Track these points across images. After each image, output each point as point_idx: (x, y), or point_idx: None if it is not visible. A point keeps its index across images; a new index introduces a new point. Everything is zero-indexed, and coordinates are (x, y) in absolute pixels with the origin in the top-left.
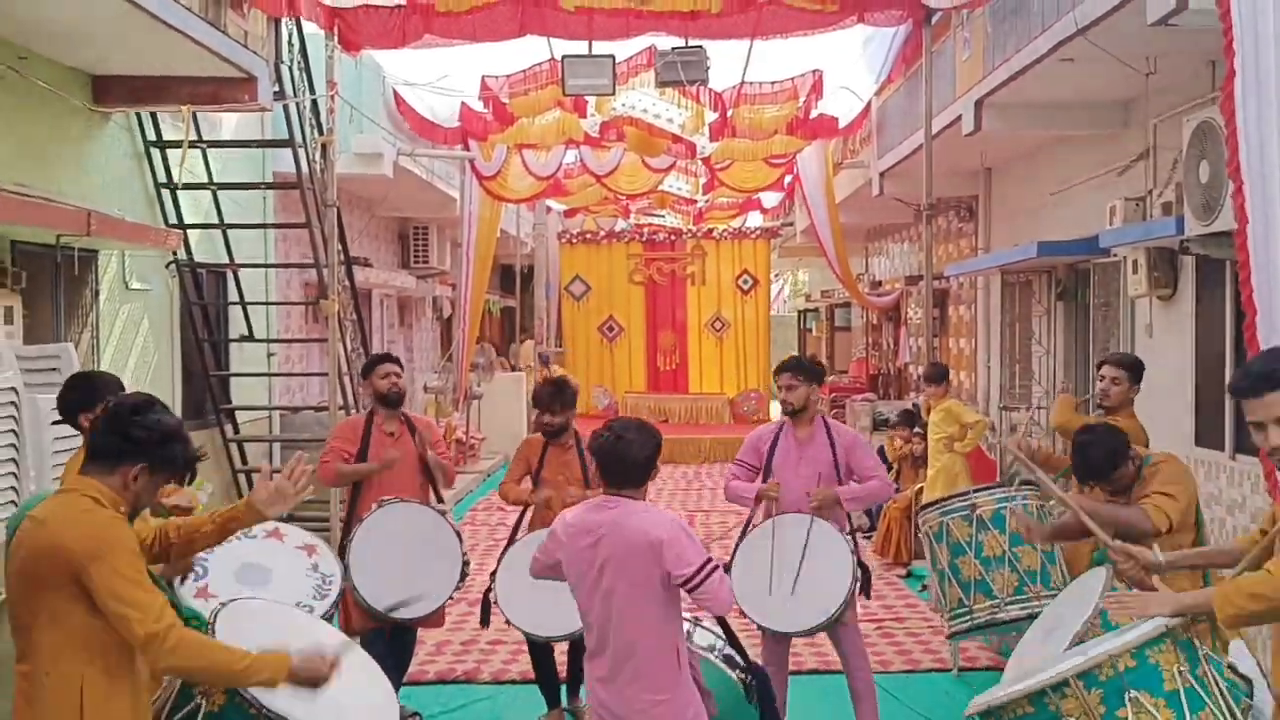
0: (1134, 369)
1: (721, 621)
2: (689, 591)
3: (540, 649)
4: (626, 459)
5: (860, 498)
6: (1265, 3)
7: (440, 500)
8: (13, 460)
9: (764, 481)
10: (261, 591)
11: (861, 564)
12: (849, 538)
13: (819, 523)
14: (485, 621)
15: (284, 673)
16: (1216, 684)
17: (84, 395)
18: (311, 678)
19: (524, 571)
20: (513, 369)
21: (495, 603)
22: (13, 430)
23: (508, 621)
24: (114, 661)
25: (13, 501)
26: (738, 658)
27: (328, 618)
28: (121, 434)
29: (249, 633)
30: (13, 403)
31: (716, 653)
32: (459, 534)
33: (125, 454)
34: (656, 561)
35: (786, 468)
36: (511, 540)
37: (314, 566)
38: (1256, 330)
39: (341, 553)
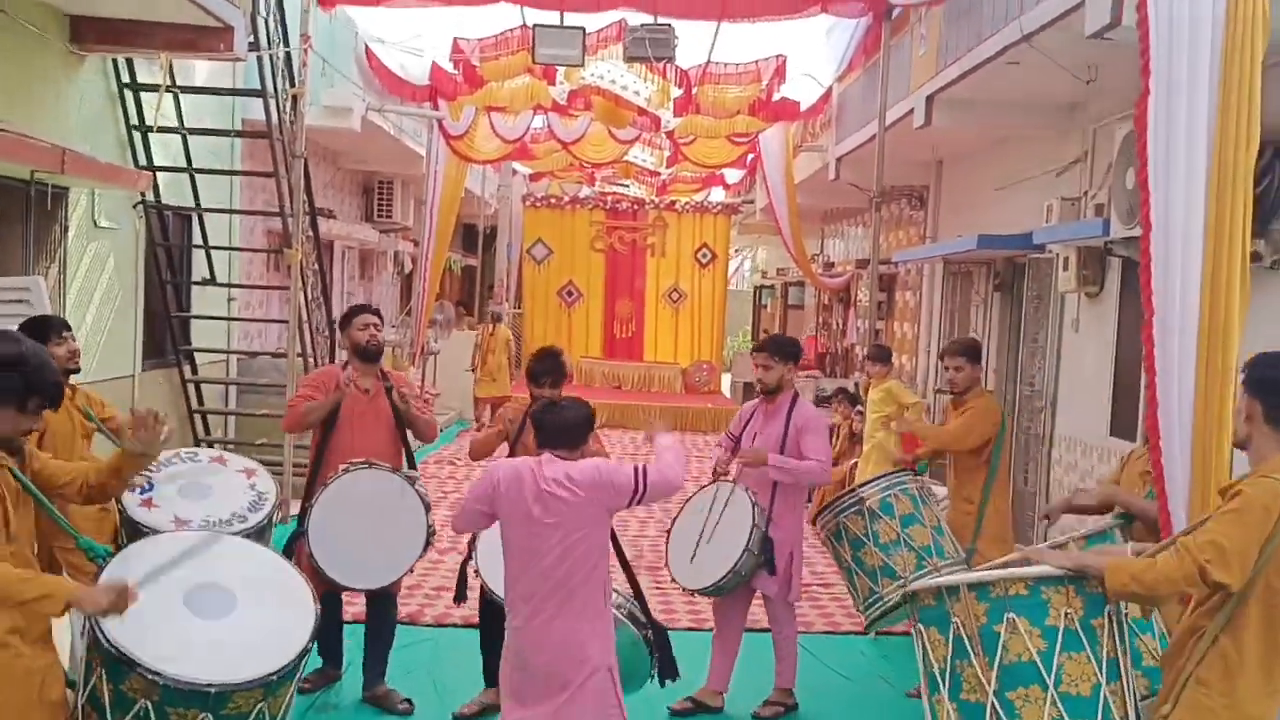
0: (970, 353)
1: (631, 580)
2: (640, 500)
3: (493, 628)
4: (561, 423)
5: (789, 470)
6: (1180, 34)
7: (412, 464)
8: None
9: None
10: (201, 504)
11: (767, 538)
12: (759, 511)
13: (737, 492)
14: (461, 597)
15: (61, 601)
16: (1112, 640)
17: (38, 334)
18: (92, 605)
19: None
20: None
21: (478, 573)
22: None
23: (493, 596)
24: None
25: None
26: (640, 615)
27: (261, 528)
28: None
29: (135, 561)
30: None
31: (622, 610)
32: (427, 503)
33: None
34: (605, 496)
35: (747, 440)
36: None
37: (251, 486)
38: (1154, 329)
39: (302, 516)
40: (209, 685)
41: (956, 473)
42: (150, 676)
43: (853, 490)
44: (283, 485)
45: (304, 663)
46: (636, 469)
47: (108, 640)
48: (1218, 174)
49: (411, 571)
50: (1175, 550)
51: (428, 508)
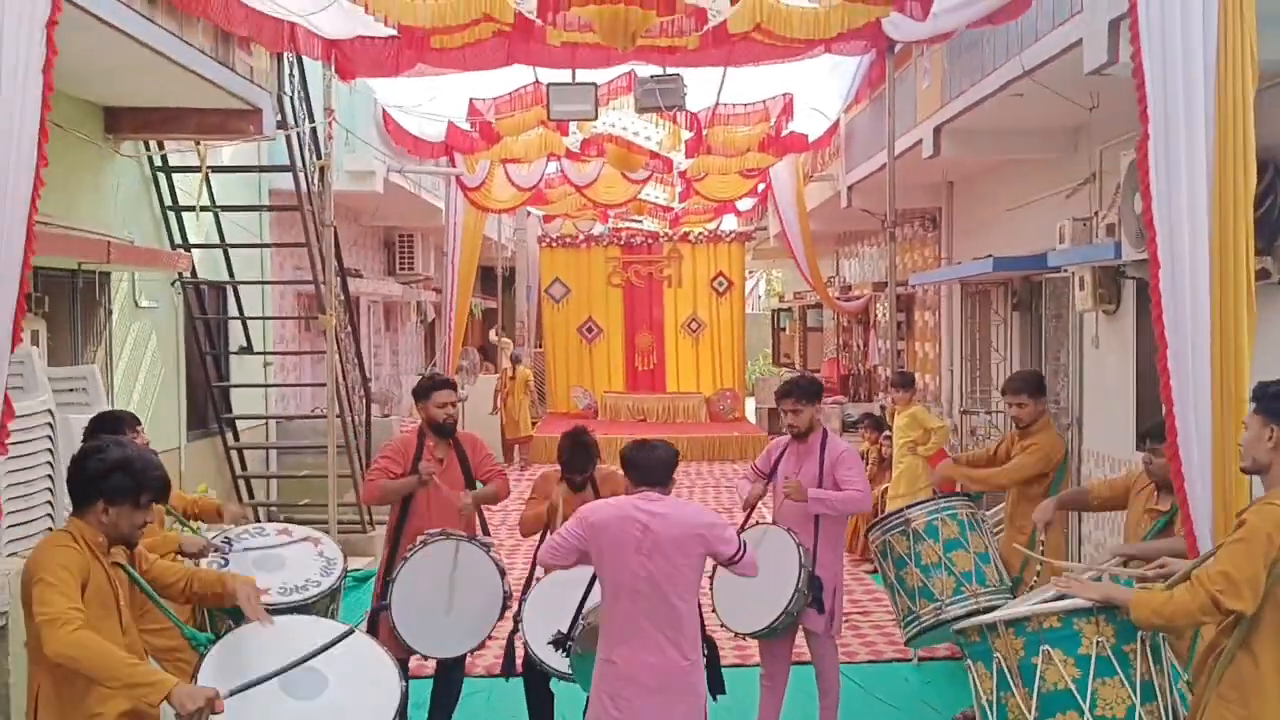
0: (1032, 388)
1: None
2: (729, 565)
3: (541, 691)
4: (655, 462)
5: (828, 501)
6: (1175, 83)
7: (485, 528)
8: (49, 477)
9: (768, 488)
10: (277, 575)
11: (815, 577)
12: (804, 552)
13: (781, 535)
14: (509, 673)
15: (163, 692)
16: (1145, 662)
17: (110, 429)
18: (182, 707)
19: (550, 610)
20: (494, 367)
21: (526, 644)
22: (48, 449)
23: (537, 661)
24: (65, 674)
25: (49, 515)
26: None
27: (334, 590)
28: (77, 480)
29: (246, 658)
30: (48, 424)
31: None
32: (502, 569)
33: (88, 495)
34: (703, 542)
35: (781, 480)
36: (530, 580)
37: (320, 553)
38: (1168, 361)
39: (384, 590)
40: None
41: (1015, 500)
42: None
43: (900, 511)
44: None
45: None
46: (739, 534)
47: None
48: (1219, 208)
49: (491, 636)
50: (1190, 584)
51: (503, 573)
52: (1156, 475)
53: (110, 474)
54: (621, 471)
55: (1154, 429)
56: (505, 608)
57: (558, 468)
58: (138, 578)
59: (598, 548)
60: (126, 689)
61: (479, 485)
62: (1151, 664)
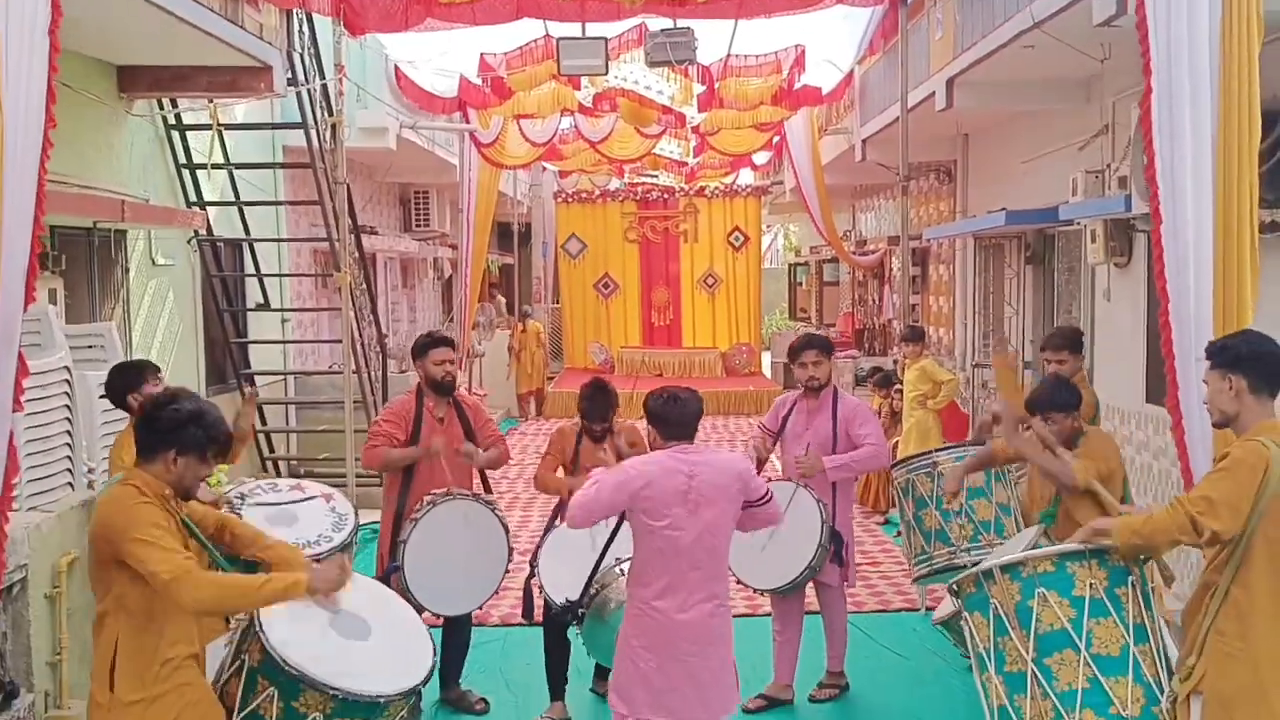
0: (1073, 344)
1: None
2: (756, 506)
3: (559, 641)
4: (687, 416)
5: (847, 465)
6: (1180, 39)
7: (488, 488)
8: (67, 433)
9: (776, 446)
10: (290, 529)
11: (836, 532)
12: (824, 508)
13: (800, 493)
14: (529, 614)
15: (303, 587)
16: (1137, 605)
17: (130, 379)
18: (327, 584)
19: (565, 558)
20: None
21: (542, 589)
22: (66, 405)
23: (555, 609)
24: (142, 624)
25: (68, 470)
26: None
27: (345, 545)
28: (150, 429)
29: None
30: (66, 380)
31: None
32: (506, 526)
33: (158, 445)
34: (742, 489)
35: (792, 438)
36: (549, 528)
37: (332, 509)
38: (1170, 316)
39: (393, 551)
40: (379, 696)
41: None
42: (331, 692)
43: (929, 452)
44: (351, 497)
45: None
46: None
47: (286, 664)
48: (1223, 163)
49: (497, 592)
50: (1170, 506)
51: (507, 530)
52: (1046, 438)
53: (185, 426)
54: (647, 423)
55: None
56: (510, 563)
57: (575, 422)
58: (191, 525)
59: (645, 504)
60: (272, 600)
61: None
62: (1143, 608)
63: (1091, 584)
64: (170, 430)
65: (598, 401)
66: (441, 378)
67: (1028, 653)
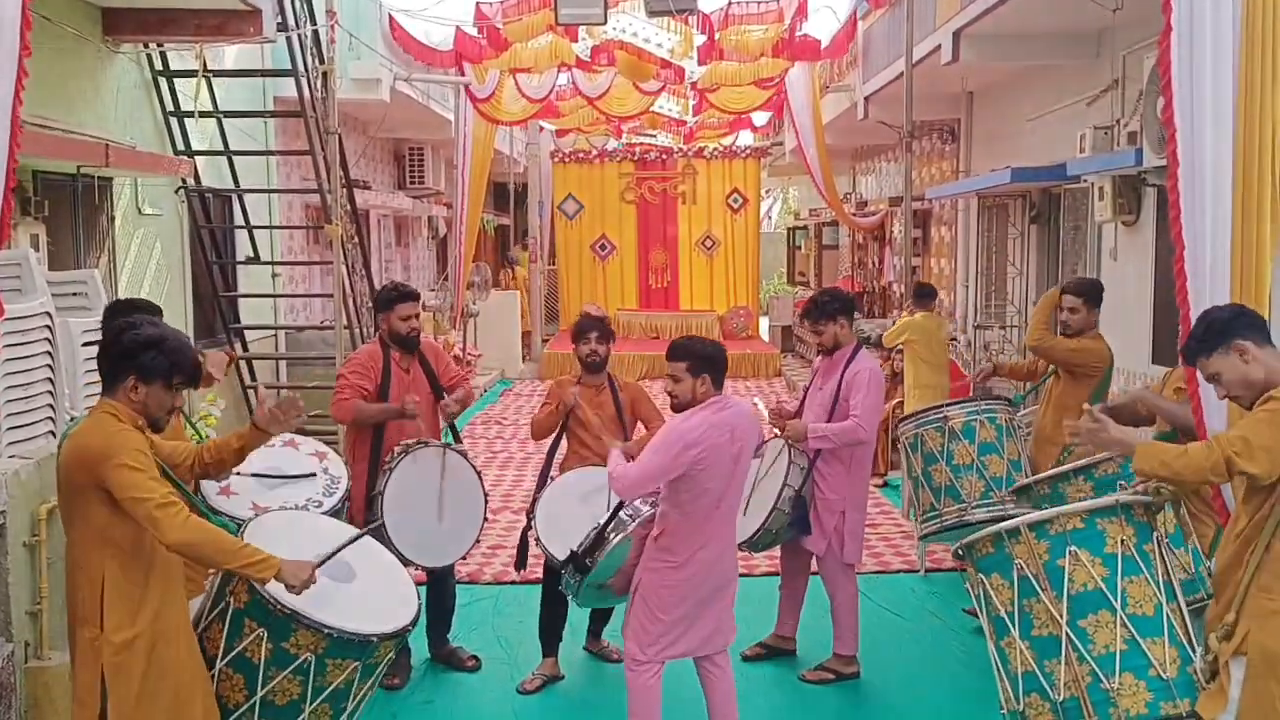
0: (1090, 294)
1: None
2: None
3: (555, 597)
4: (718, 360)
5: (825, 437)
6: None
7: (457, 437)
8: (49, 380)
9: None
10: (277, 489)
11: (799, 497)
12: (797, 469)
13: (783, 455)
14: (522, 564)
15: (272, 570)
16: (1163, 563)
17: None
18: (292, 580)
19: (561, 510)
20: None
21: (538, 540)
22: (48, 353)
23: (555, 562)
24: (129, 558)
25: (50, 418)
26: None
27: (336, 511)
28: (106, 355)
29: (274, 540)
30: (47, 326)
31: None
32: (479, 473)
33: (116, 372)
34: (758, 436)
35: (812, 396)
36: (544, 480)
37: (324, 470)
38: (1185, 263)
39: (371, 504)
40: (371, 635)
41: (1053, 410)
42: (326, 631)
43: (940, 406)
44: (342, 454)
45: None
46: None
47: (278, 603)
48: (1245, 107)
49: (478, 542)
50: (1207, 443)
51: (480, 477)
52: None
53: (144, 350)
54: (694, 371)
55: (1072, 283)
56: (487, 509)
57: (573, 374)
58: (169, 471)
59: (703, 466)
60: (241, 569)
61: (446, 395)
62: (1168, 565)
63: (1122, 540)
64: (128, 355)
65: (588, 322)
66: (407, 333)
67: (1062, 615)
